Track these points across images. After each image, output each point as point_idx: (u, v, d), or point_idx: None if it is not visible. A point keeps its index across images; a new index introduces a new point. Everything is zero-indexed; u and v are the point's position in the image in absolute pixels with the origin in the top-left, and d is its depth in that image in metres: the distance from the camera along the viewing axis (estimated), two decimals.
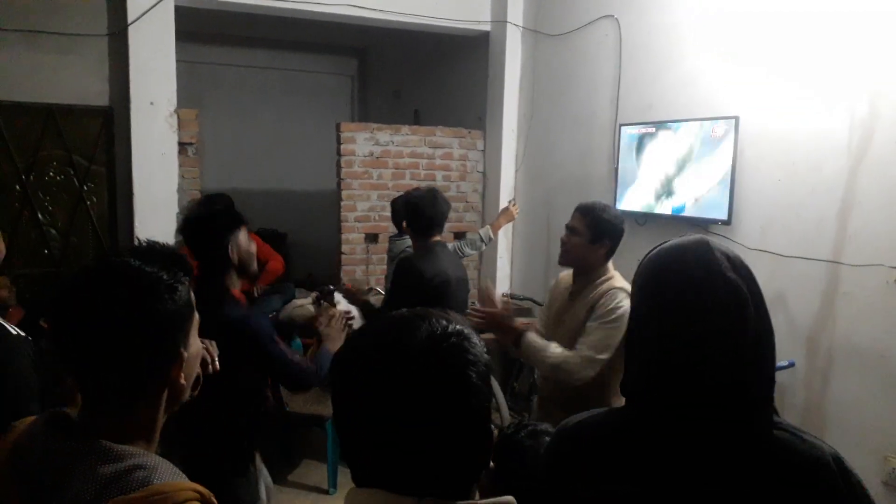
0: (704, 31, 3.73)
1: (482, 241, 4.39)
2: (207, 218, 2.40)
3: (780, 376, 3.17)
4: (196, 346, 1.14)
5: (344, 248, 5.44)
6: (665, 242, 1.16)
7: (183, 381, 1.08)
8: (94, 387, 1.04)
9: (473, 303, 5.36)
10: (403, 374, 0.84)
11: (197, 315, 1.15)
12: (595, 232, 2.56)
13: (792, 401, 3.26)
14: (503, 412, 4.14)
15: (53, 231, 4.68)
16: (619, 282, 2.57)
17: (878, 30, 2.88)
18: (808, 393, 3.20)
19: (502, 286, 5.60)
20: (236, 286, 2.39)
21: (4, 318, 2.26)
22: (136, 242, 1.22)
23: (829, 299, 3.10)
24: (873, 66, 2.90)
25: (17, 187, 4.57)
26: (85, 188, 4.72)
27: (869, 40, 2.92)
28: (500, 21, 5.41)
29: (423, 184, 5.60)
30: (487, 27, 5.56)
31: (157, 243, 1.18)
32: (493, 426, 0.92)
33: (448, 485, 0.85)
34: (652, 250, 1.17)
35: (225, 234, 2.33)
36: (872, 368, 2.92)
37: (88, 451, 0.99)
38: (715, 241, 1.11)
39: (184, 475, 1.03)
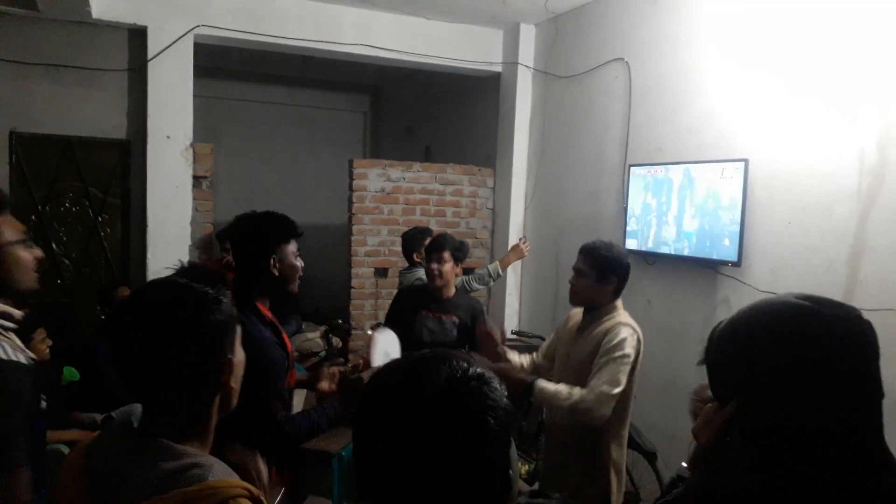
0: (714, 74, 3.78)
1: (490, 276, 4.40)
2: (258, 220, 2.22)
3: None
4: (241, 354, 1.23)
5: (354, 282, 5.45)
6: (765, 309, 1.10)
7: (233, 384, 1.18)
8: (153, 393, 1.14)
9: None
10: (420, 415, 0.84)
11: (240, 326, 1.24)
12: (600, 271, 2.57)
13: None
14: (511, 452, 4.09)
15: (67, 261, 4.73)
16: (623, 318, 2.59)
17: (888, 74, 2.91)
18: None
19: (511, 323, 5.59)
20: (266, 301, 2.19)
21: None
22: (178, 264, 1.32)
23: None
24: (882, 111, 2.93)
25: (33, 217, 4.63)
26: (99, 219, 4.78)
27: (878, 85, 2.95)
28: (512, 62, 5.51)
29: (433, 220, 5.66)
30: (499, 68, 5.66)
31: (197, 263, 1.28)
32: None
33: None
34: (756, 316, 1.10)
35: (270, 242, 2.16)
36: (888, 414, 2.88)
37: (150, 448, 1.10)
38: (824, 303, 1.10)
39: (236, 475, 1.13)
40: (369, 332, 2.97)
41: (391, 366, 0.95)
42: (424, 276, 4.26)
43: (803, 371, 1.01)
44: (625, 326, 2.52)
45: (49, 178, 4.68)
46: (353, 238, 5.41)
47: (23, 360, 1.69)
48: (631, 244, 4.22)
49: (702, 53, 3.87)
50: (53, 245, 4.68)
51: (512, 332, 5.29)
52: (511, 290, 5.65)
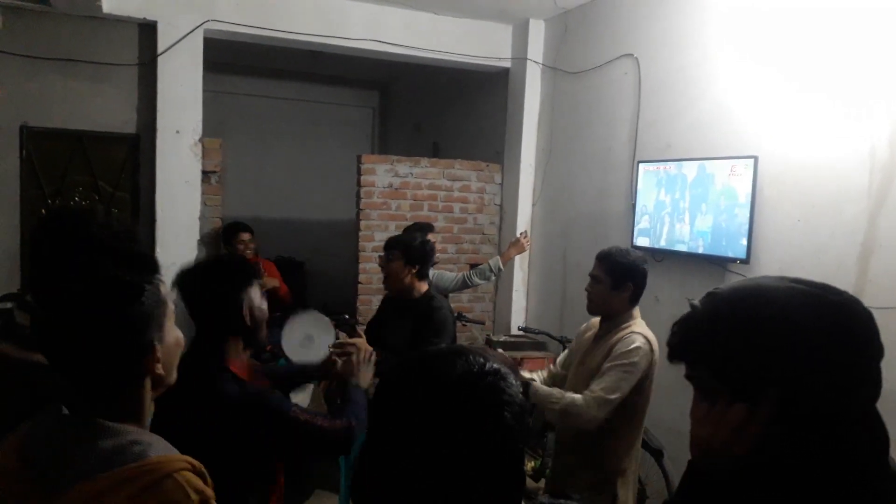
0: (723, 71, 3.76)
1: (491, 271, 4.40)
2: (216, 270, 1.97)
3: None
4: (173, 335, 1.26)
5: (361, 277, 5.46)
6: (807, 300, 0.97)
7: (159, 370, 1.20)
8: (81, 377, 1.17)
9: (488, 336, 5.35)
10: (436, 408, 0.84)
11: (172, 306, 1.27)
12: (615, 277, 2.56)
13: None
14: None
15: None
16: (639, 327, 2.58)
17: None
18: None
19: (518, 319, 5.59)
20: (239, 356, 1.94)
21: None
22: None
23: None
24: (893, 109, 2.91)
25: (43, 211, 4.65)
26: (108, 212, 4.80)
27: (888, 82, 2.93)
28: (521, 58, 5.49)
29: (441, 215, 5.66)
30: (507, 64, 5.64)
31: (127, 244, 1.31)
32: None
33: None
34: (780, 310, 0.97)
35: (238, 290, 1.90)
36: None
37: (87, 429, 1.13)
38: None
39: (176, 450, 1.18)
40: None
41: (406, 360, 0.95)
42: (445, 273, 4.30)
43: (854, 359, 0.93)
44: (638, 336, 2.51)
45: (59, 173, 4.70)
46: (360, 233, 5.42)
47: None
48: (639, 241, 4.21)
49: (711, 49, 3.85)
50: None
51: (519, 329, 5.29)
52: (518, 287, 5.64)
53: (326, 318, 2.59)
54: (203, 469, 1.17)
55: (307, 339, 2.47)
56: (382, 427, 0.89)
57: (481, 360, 0.89)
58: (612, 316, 2.62)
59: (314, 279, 7.65)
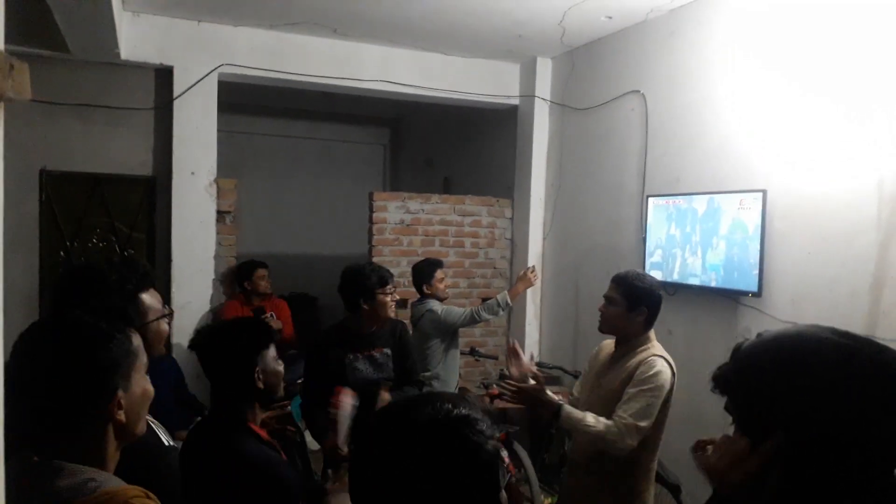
0: (731, 105, 3.81)
1: (499, 305, 4.38)
2: (230, 332, 2.00)
3: None
4: (141, 387, 1.32)
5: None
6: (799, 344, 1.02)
7: (121, 417, 1.25)
8: (45, 421, 1.22)
9: (502, 370, 5.34)
10: (407, 454, 0.90)
11: (145, 359, 1.34)
12: (631, 300, 2.58)
13: None
14: (533, 485, 4.08)
15: None
16: (658, 350, 2.59)
17: None
18: None
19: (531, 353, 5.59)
20: (257, 419, 1.98)
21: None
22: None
23: None
24: None
25: (62, 253, 4.74)
26: (125, 254, 4.88)
27: (895, 114, 2.96)
28: (529, 95, 5.58)
29: (452, 250, 5.70)
30: (516, 101, 5.73)
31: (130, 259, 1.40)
32: None
33: None
34: (810, 346, 1.00)
35: (252, 355, 1.94)
36: None
37: (47, 469, 1.19)
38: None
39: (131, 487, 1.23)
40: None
41: (383, 409, 1.03)
42: (435, 308, 4.28)
43: (872, 414, 0.93)
44: (659, 359, 2.51)
45: (77, 215, 4.80)
46: None
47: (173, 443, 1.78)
48: (651, 274, 4.22)
49: (718, 84, 3.91)
50: None
51: (532, 361, 5.28)
52: (531, 321, 5.65)
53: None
54: (157, 500, 1.24)
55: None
56: (363, 473, 0.93)
57: (448, 406, 0.94)
58: (629, 338, 2.62)
59: (327, 313, 7.67)
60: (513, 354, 2.77)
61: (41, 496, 1.15)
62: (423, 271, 4.39)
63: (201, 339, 1.95)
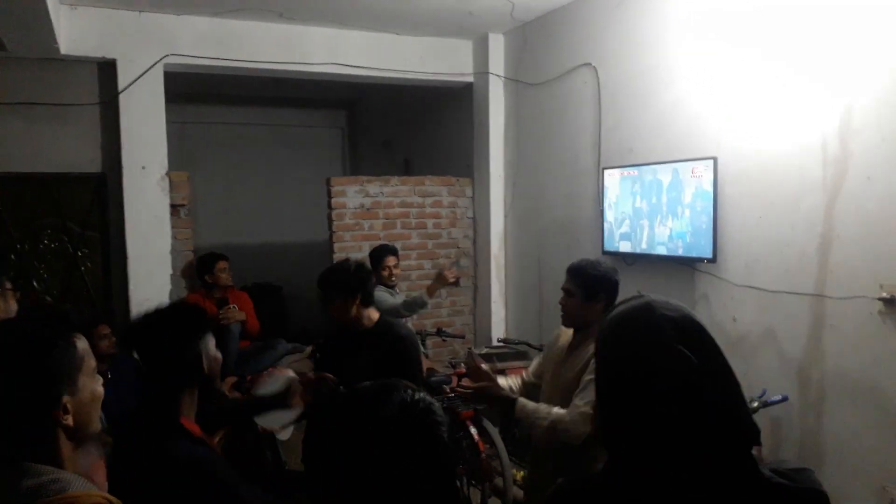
0: (680, 73, 3.84)
1: (418, 305, 4.36)
2: (171, 318, 1.87)
3: (774, 411, 3.20)
4: (91, 388, 1.35)
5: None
6: (615, 309, 1.17)
7: (68, 421, 1.28)
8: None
9: (469, 349, 5.37)
10: (382, 439, 0.92)
11: (92, 362, 1.37)
12: (588, 290, 2.58)
13: (788, 434, 3.27)
14: (503, 459, 4.12)
15: (48, 298, 4.72)
16: None
17: (846, 70, 2.97)
18: (802, 426, 3.21)
19: (498, 330, 5.62)
20: (192, 411, 1.84)
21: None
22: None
23: (816, 332, 3.14)
24: (842, 105, 2.99)
25: (12, 256, 4.62)
26: (79, 254, 4.78)
27: (838, 79, 3.01)
28: (483, 72, 5.56)
29: (415, 232, 5.69)
30: (470, 78, 5.71)
31: (51, 306, 1.43)
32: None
33: None
34: (605, 319, 1.19)
35: (197, 339, 1.82)
36: (864, 399, 2.94)
37: (14, 469, 1.23)
38: (661, 303, 1.12)
39: (95, 487, 1.28)
40: None
41: (341, 398, 1.03)
42: (385, 296, 4.28)
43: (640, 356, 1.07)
44: None
45: (26, 217, 4.68)
46: (334, 256, 5.42)
47: None
48: (609, 246, 4.27)
49: (667, 53, 3.93)
50: (34, 283, 4.68)
51: (498, 340, 5.32)
52: (496, 298, 5.68)
53: (296, 378, 2.59)
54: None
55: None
56: (325, 462, 0.94)
57: (411, 391, 0.99)
58: (587, 326, 2.63)
59: (293, 303, 7.63)
60: (474, 369, 2.70)
61: (6, 495, 1.19)
62: (373, 259, 4.45)
63: (137, 330, 1.84)
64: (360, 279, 2.96)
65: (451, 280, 4.57)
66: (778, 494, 1.03)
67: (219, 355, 1.89)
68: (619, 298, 3.03)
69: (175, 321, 1.85)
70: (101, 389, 1.38)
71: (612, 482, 1.07)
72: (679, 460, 1.02)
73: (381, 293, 4.29)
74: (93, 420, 1.35)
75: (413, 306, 4.36)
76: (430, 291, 4.47)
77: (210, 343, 1.86)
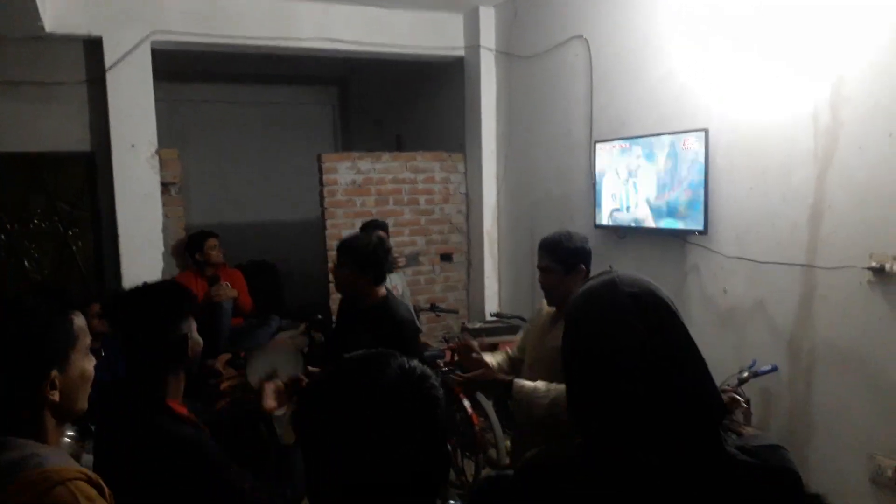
0: (671, 47, 3.81)
1: None
2: (154, 297, 1.79)
3: (764, 381, 3.22)
4: (82, 366, 1.35)
5: (330, 276, 5.46)
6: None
7: (54, 397, 1.28)
8: None
9: (463, 323, 5.39)
10: (383, 405, 0.92)
11: (87, 340, 1.37)
12: (567, 263, 2.54)
13: (777, 404, 3.29)
14: (497, 432, 4.16)
15: (40, 278, 4.70)
16: None
17: (837, 39, 2.95)
18: (792, 396, 3.23)
19: (491, 305, 5.64)
20: (178, 393, 1.78)
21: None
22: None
23: (806, 303, 3.15)
24: (833, 74, 2.97)
25: (2, 237, 4.60)
26: (70, 233, 4.76)
27: (829, 49, 2.99)
28: (474, 46, 5.51)
29: (407, 208, 5.68)
30: (461, 52, 5.65)
31: (51, 283, 1.43)
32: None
33: None
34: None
35: (181, 320, 1.76)
36: (853, 369, 2.96)
37: None
38: (627, 279, 1.11)
39: (75, 462, 1.29)
40: None
41: (340, 366, 1.00)
42: None
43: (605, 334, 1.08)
44: None
45: (15, 197, 4.64)
46: (326, 232, 5.42)
47: None
48: (601, 220, 4.27)
49: (658, 25, 3.90)
50: (25, 263, 4.66)
51: (491, 315, 5.34)
52: (489, 273, 5.69)
53: (295, 353, 2.57)
54: (101, 482, 1.28)
55: (271, 375, 2.36)
56: (321, 427, 0.94)
57: (405, 359, 0.98)
58: (569, 297, 2.59)
59: (288, 280, 7.63)
60: (463, 349, 2.63)
61: None
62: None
63: (119, 305, 1.76)
64: (377, 259, 2.96)
65: (398, 265, 4.44)
66: (740, 471, 1.02)
67: (200, 340, 1.82)
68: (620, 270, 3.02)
69: (160, 301, 1.77)
70: (90, 369, 1.37)
71: (581, 461, 1.07)
72: (645, 440, 1.02)
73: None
74: (80, 399, 1.35)
75: None
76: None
77: (193, 325, 1.79)
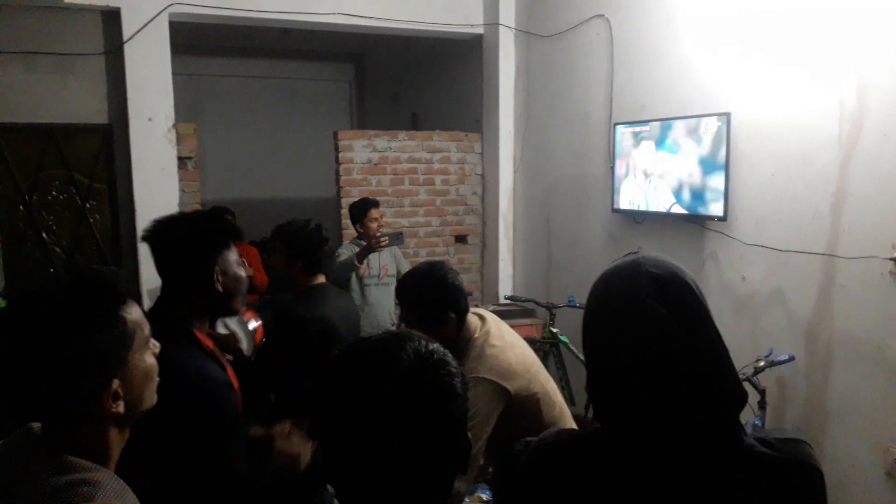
0: (694, 28, 3.74)
1: (347, 268, 4.27)
2: (190, 223, 1.78)
3: (780, 370, 3.19)
4: (143, 365, 1.17)
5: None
6: (608, 266, 1.13)
7: (119, 409, 1.11)
8: (37, 409, 1.09)
9: (476, 306, 5.37)
10: (399, 390, 0.88)
11: (145, 330, 1.18)
12: (431, 318, 2.08)
13: (793, 394, 3.27)
14: None
15: (58, 249, 4.73)
16: (478, 363, 2.07)
17: (866, 23, 2.88)
18: (809, 386, 3.21)
19: (505, 288, 5.62)
20: (204, 325, 1.74)
21: None
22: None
23: (826, 292, 3.11)
24: (861, 59, 2.90)
25: (21, 208, 4.62)
26: (87, 206, 4.77)
27: (857, 33, 2.92)
28: (493, 24, 5.43)
29: (423, 188, 5.64)
30: (480, 30, 5.58)
31: (96, 270, 1.19)
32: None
33: (428, 495, 0.90)
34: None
35: (209, 252, 1.70)
36: (871, 360, 2.93)
37: (41, 461, 1.06)
38: (651, 259, 1.08)
39: (130, 495, 1.10)
40: None
41: (354, 346, 0.98)
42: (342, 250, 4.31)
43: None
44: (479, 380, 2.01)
45: (33, 168, 4.66)
46: (342, 211, 5.40)
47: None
48: (619, 203, 4.22)
49: (680, 5, 3.82)
50: (44, 234, 4.68)
51: (505, 297, 5.32)
52: (504, 255, 5.66)
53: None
54: None
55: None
56: (335, 410, 0.92)
57: (423, 341, 0.94)
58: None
59: None
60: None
61: (32, 492, 1.03)
62: (356, 211, 4.46)
63: (157, 228, 1.70)
64: (310, 245, 2.73)
65: (378, 250, 4.32)
66: (755, 462, 0.99)
67: (241, 273, 1.76)
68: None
69: (193, 230, 1.73)
70: (154, 362, 1.21)
71: (595, 442, 1.05)
72: (660, 424, 0.99)
73: (348, 246, 4.43)
74: (146, 397, 1.19)
75: (343, 269, 4.27)
76: (359, 257, 4.27)
77: (230, 258, 1.73)
